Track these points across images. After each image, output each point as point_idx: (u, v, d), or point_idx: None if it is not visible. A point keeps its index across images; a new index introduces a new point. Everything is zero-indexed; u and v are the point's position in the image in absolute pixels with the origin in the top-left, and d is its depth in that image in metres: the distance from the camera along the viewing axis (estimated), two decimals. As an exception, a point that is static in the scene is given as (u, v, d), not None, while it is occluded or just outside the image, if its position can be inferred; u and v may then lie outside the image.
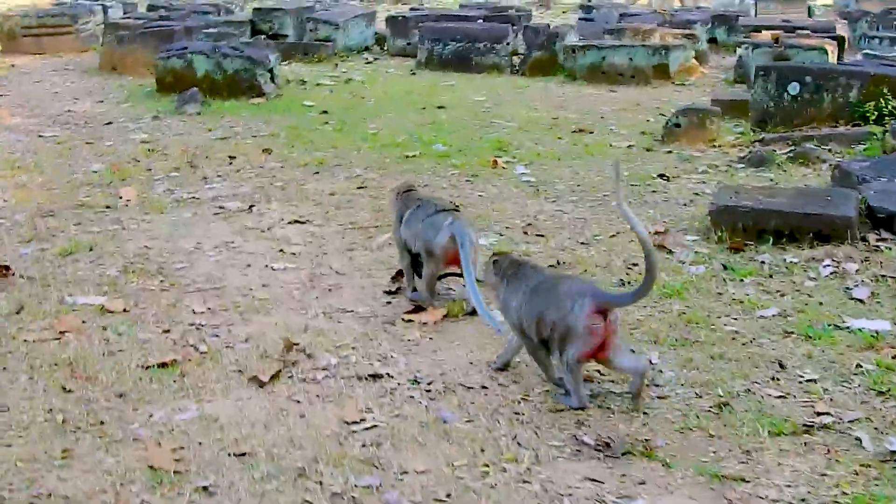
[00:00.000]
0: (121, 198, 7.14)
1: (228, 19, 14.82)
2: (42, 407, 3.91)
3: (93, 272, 5.56)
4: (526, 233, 6.33)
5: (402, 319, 4.90)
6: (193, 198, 7.19)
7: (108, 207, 6.90)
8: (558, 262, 5.69)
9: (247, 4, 19.79)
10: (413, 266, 5.13)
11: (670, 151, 8.71)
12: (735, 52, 15.14)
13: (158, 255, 5.88)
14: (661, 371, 4.27)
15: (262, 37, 13.93)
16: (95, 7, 15.88)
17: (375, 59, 15.29)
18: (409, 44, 15.48)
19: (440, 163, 8.26)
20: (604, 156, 8.56)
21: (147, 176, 7.81)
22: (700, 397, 4.04)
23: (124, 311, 4.96)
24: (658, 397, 4.04)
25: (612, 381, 4.17)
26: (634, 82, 12.70)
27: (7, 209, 6.84)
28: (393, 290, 5.31)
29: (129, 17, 15.41)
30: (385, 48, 16.04)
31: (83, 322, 4.79)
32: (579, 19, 16.10)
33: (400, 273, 5.36)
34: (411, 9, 17.13)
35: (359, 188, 7.46)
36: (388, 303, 5.17)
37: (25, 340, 4.55)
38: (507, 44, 13.95)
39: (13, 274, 5.44)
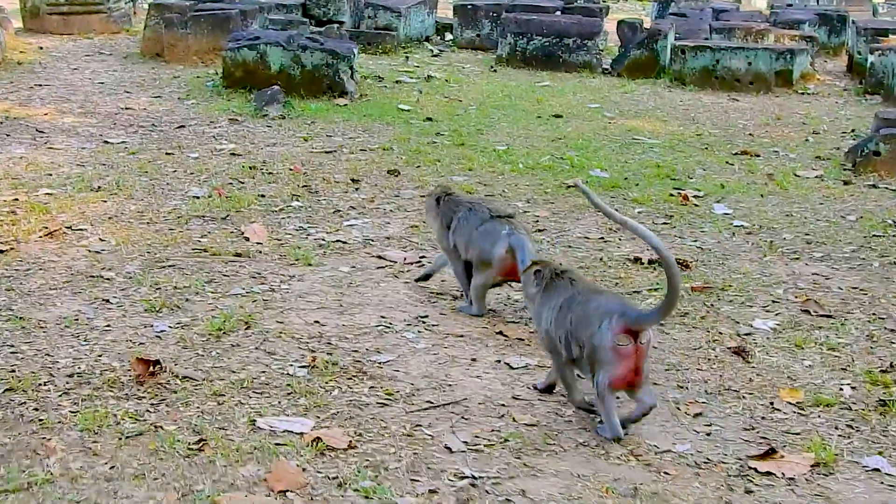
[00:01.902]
0: (247, 239, 5.61)
1: (278, 2, 13.14)
2: None
3: (271, 368, 4.03)
4: (807, 311, 4.85)
5: (755, 469, 3.41)
6: (338, 241, 5.66)
7: (238, 255, 5.35)
8: (892, 365, 4.22)
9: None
10: (467, 274, 4.77)
11: (875, 186, 7.27)
12: (840, 55, 13.83)
13: (341, 339, 4.35)
14: None
15: (335, 26, 12.31)
16: (127, -16, 14.21)
17: (441, 51, 13.75)
18: (478, 35, 13.96)
19: (615, 196, 6.77)
20: (798, 190, 7.12)
21: (263, 206, 6.25)
22: None
23: (350, 447, 3.43)
24: None
25: None
26: (754, 90, 11.25)
27: (111, 255, 5.27)
28: (694, 412, 3.84)
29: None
30: (447, 39, 14.52)
31: (303, 470, 3.27)
32: (670, 14, 14.50)
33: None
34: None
35: (538, 231, 5.96)
36: (708, 434, 3.68)
37: (235, 511, 3.03)
38: (600, 40, 12.46)
39: (163, 370, 3.90)
